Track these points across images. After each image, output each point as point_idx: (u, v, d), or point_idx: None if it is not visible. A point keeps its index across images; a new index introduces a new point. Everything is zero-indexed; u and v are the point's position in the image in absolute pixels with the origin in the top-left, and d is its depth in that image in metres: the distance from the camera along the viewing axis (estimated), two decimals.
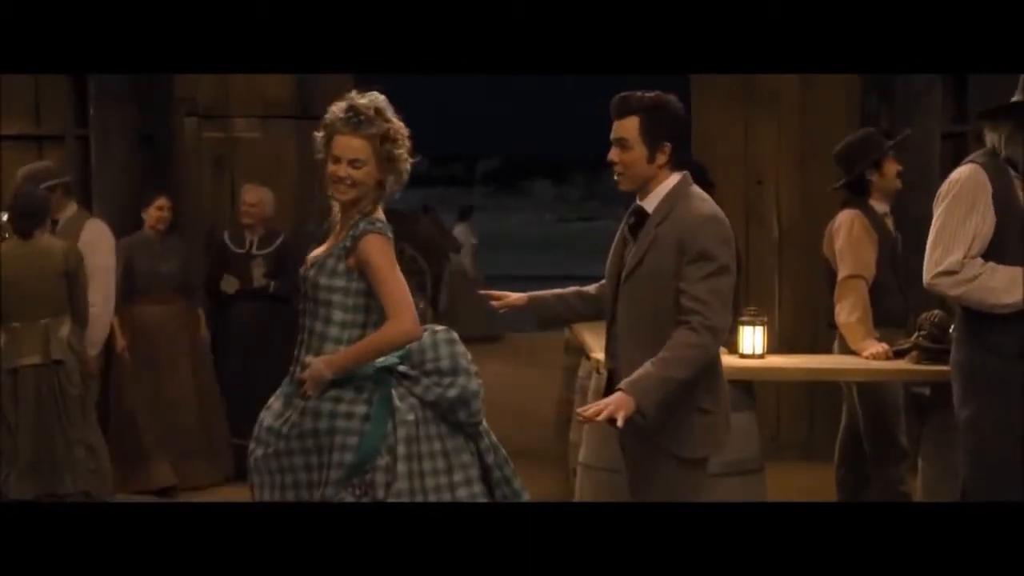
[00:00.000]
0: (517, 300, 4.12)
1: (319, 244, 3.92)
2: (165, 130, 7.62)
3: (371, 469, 3.68)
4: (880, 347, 5.08)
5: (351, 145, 3.75)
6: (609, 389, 3.81)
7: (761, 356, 5.15)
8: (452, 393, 3.77)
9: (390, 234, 3.77)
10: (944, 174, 4.26)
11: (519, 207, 44.51)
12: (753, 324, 5.15)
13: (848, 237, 5.23)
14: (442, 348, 3.82)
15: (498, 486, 3.86)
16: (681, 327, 3.60)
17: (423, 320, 3.90)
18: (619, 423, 3.49)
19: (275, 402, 3.86)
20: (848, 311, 5.19)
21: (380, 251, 3.72)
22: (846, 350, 5.25)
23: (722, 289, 3.64)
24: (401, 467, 3.69)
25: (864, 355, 5.10)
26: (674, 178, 3.77)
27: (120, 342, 6.80)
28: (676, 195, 3.74)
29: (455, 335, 3.88)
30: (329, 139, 3.79)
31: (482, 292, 4.40)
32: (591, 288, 4.10)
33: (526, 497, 3.93)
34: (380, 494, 3.66)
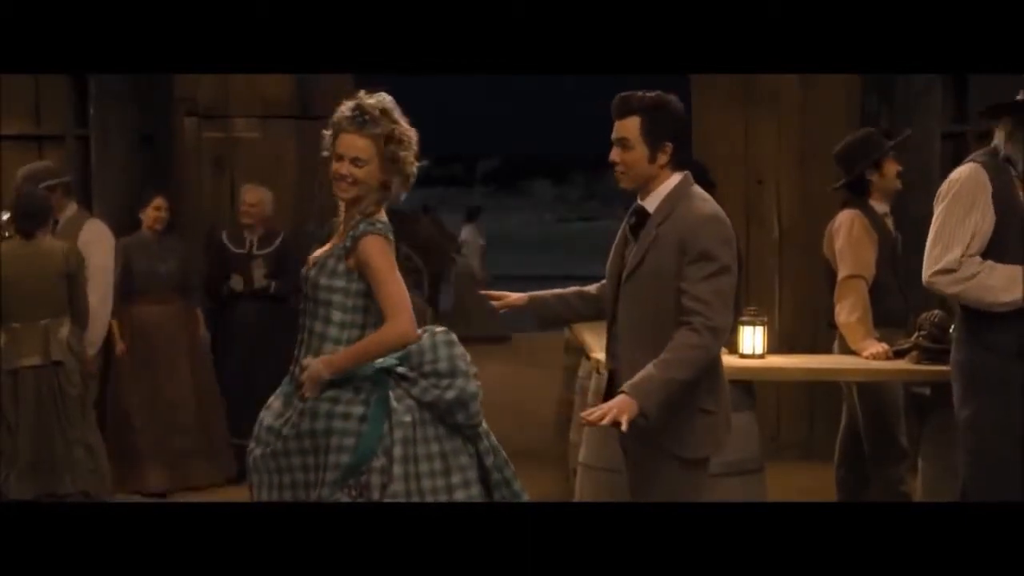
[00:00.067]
0: (517, 300, 4.11)
1: (322, 244, 3.92)
2: (165, 130, 7.62)
3: (367, 470, 3.68)
4: (880, 347, 5.08)
5: (355, 144, 3.75)
6: (610, 389, 3.81)
7: (761, 356, 5.15)
8: (450, 395, 3.77)
9: (391, 236, 3.77)
10: (944, 174, 4.26)
11: (519, 207, 44.52)
12: (753, 324, 5.15)
13: (848, 237, 5.23)
14: (441, 350, 3.81)
15: (497, 488, 3.86)
16: (683, 328, 3.60)
17: (423, 320, 3.90)
18: (623, 427, 3.48)
19: (275, 402, 3.86)
20: (848, 311, 5.19)
21: (379, 252, 3.72)
22: (846, 350, 5.25)
23: (723, 289, 3.64)
24: (397, 469, 3.68)
25: (864, 355, 5.10)
26: (675, 178, 3.77)
27: (119, 344, 6.80)
28: (677, 195, 3.74)
29: (454, 337, 3.88)
30: (335, 137, 3.80)
31: (482, 292, 4.40)
32: (592, 288, 4.10)
33: (526, 499, 3.92)
34: (376, 495, 3.66)
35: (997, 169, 4.03)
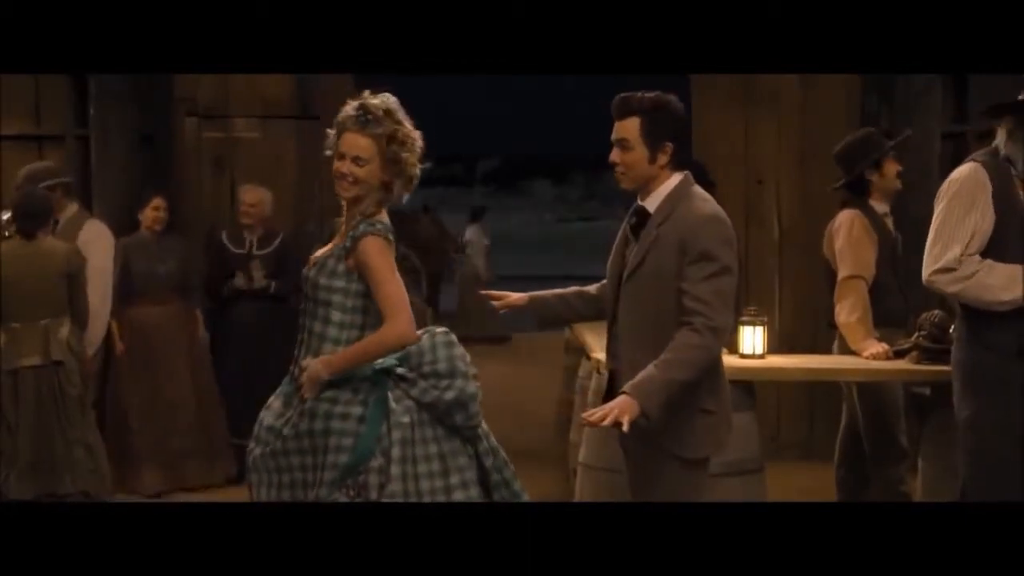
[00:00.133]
0: (518, 300, 4.11)
1: (324, 244, 3.93)
2: (165, 130, 7.62)
3: (365, 471, 3.68)
4: (880, 347, 5.08)
5: (356, 143, 3.76)
6: (611, 390, 3.81)
7: (761, 356, 5.15)
8: (449, 396, 3.77)
9: (391, 237, 3.76)
10: (944, 174, 4.26)
11: (519, 207, 44.55)
12: (753, 324, 5.15)
13: (848, 237, 5.23)
14: (440, 351, 3.81)
15: (496, 489, 3.85)
16: (684, 328, 3.60)
17: (423, 321, 3.90)
18: (624, 427, 3.48)
19: (275, 401, 3.86)
20: (848, 311, 5.19)
21: (378, 253, 3.72)
22: (846, 350, 5.25)
23: (724, 289, 3.64)
24: (395, 469, 3.68)
25: (864, 355, 5.10)
26: (676, 178, 3.77)
27: (119, 344, 6.80)
28: (678, 195, 3.74)
29: (454, 338, 3.88)
30: (339, 136, 3.80)
31: (482, 292, 4.40)
32: (592, 288, 4.10)
33: (526, 500, 3.92)
34: (373, 495, 3.66)
35: (997, 168, 4.03)
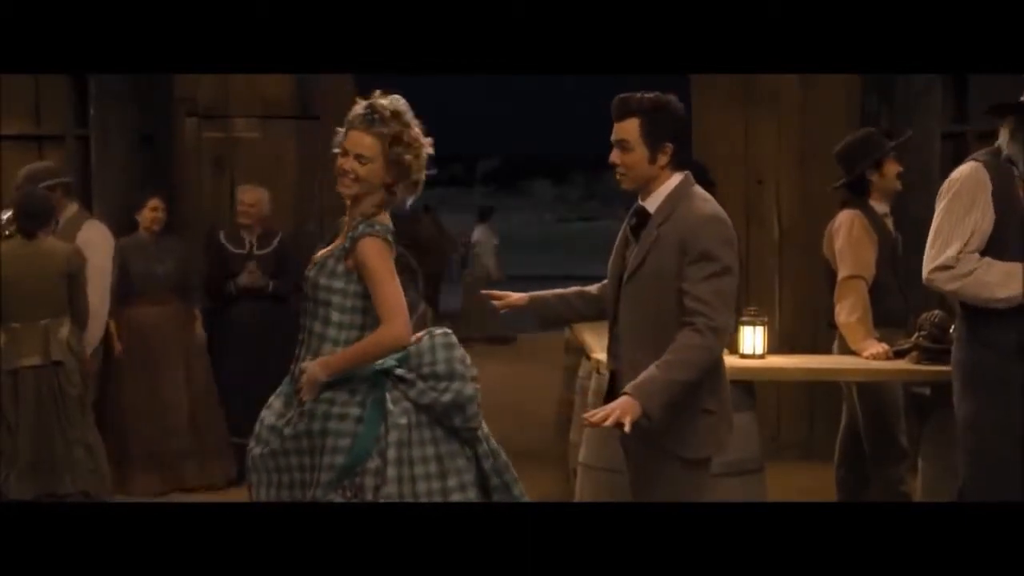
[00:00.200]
0: (518, 300, 4.11)
1: (326, 244, 3.93)
2: (165, 130, 7.62)
3: (361, 472, 3.68)
4: (880, 347, 5.08)
5: (361, 141, 3.76)
6: (612, 390, 3.81)
7: (761, 356, 5.15)
8: (447, 398, 3.77)
9: (391, 238, 3.76)
10: (944, 174, 4.26)
11: (519, 207, 44.56)
12: (753, 324, 5.15)
13: (848, 237, 5.23)
14: (439, 352, 3.81)
15: (495, 492, 3.85)
16: (685, 328, 3.59)
17: (423, 321, 3.90)
18: (626, 428, 3.48)
19: (276, 401, 3.86)
20: (848, 311, 5.19)
21: (377, 255, 3.72)
22: (846, 350, 5.25)
23: (725, 289, 3.64)
24: (391, 471, 3.68)
25: (864, 355, 5.10)
26: (676, 178, 3.76)
27: (117, 345, 6.79)
28: (678, 195, 3.73)
29: (454, 339, 3.88)
30: (345, 134, 3.81)
31: (483, 292, 4.40)
32: (593, 288, 4.10)
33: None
34: (369, 497, 3.66)
35: (998, 168, 4.04)
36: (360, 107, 3.79)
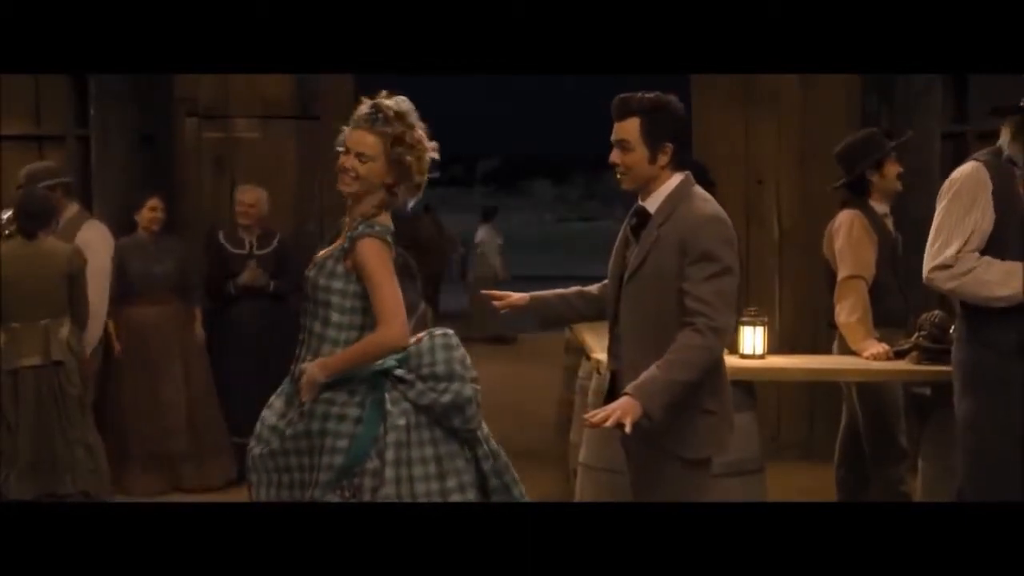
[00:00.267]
0: (519, 300, 4.11)
1: (327, 244, 3.93)
2: (165, 130, 7.62)
3: (359, 472, 3.68)
4: (880, 347, 5.08)
5: (363, 139, 3.76)
6: (612, 390, 3.81)
7: (761, 356, 5.15)
8: (446, 399, 3.76)
9: (390, 239, 3.76)
10: (944, 174, 4.27)
11: (519, 207, 44.56)
12: (753, 324, 5.15)
13: (848, 237, 5.23)
14: (439, 353, 3.81)
15: (495, 493, 3.84)
16: (686, 329, 3.59)
17: (424, 322, 3.89)
18: (627, 428, 3.48)
19: (277, 401, 3.86)
20: (848, 311, 5.19)
21: (375, 255, 3.72)
22: (846, 350, 5.25)
23: (726, 290, 3.64)
24: (389, 472, 3.68)
25: (864, 355, 5.10)
26: (676, 178, 3.76)
27: (116, 345, 6.79)
28: (678, 196, 3.73)
29: (453, 340, 3.87)
30: (349, 133, 3.81)
31: (484, 292, 4.40)
32: (593, 288, 4.10)
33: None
34: (367, 498, 3.66)
35: (999, 168, 4.04)
36: (365, 106, 3.79)
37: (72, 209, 6.58)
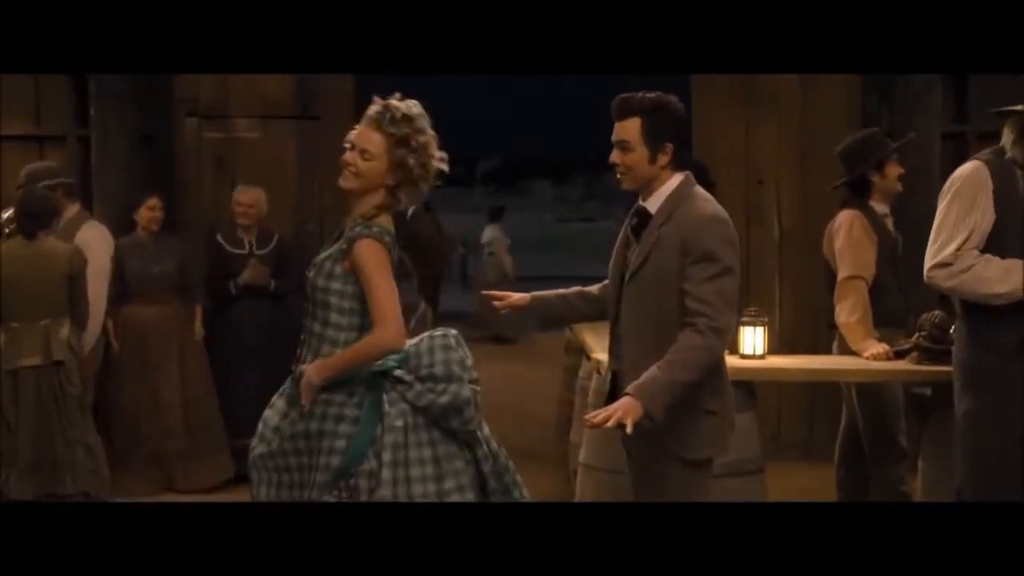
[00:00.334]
0: (520, 300, 4.11)
1: (329, 245, 3.93)
2: (165, 130, 7.62)
3: (356, 473, 3.68)
4: (880, 347, 5.08)
5: (368, 137, 3.77)
6: (613, 391, 3.81)
7: (762, 356, 5.16)
8: (444, 400, 3.76)
9: (388, 240, 3.75)
10: (944, 174, 4.27)
11: (519, 207, 44.49)
12: (754, 324, 5.15)
13: (848, 237, 5.23)
14: (437, 354, 3.81)
15: (494, 494, 3.84)
16: (687, 329, 3.59)
17: (424, 322, 3.89)
18: (628, 429, 3.47)
19: (278, 400, 3.86)
20: (848, 312, 5.19)
21: (372, 257, 3.71)
22: (846, 350, 5.25)
23: (727, 290, 3.64)
24: (386, 473, 3.68)
25: (864, 355, 5.10)
26: (676, 178, 3.76)
27: (115, 344, 6.79)
28: (679, 196, 3.73)
29: (453, 341, 3.87)
30: (357, 130, 3.81)
31: (484, 292, 4.40)
32: (594, 288, 4.09)
33: None
34: (363, 499, 3.65)
35: (1001, 167, 4.04)
36: (376, 105, 3.80)
37: (72, 209, 6.58)
